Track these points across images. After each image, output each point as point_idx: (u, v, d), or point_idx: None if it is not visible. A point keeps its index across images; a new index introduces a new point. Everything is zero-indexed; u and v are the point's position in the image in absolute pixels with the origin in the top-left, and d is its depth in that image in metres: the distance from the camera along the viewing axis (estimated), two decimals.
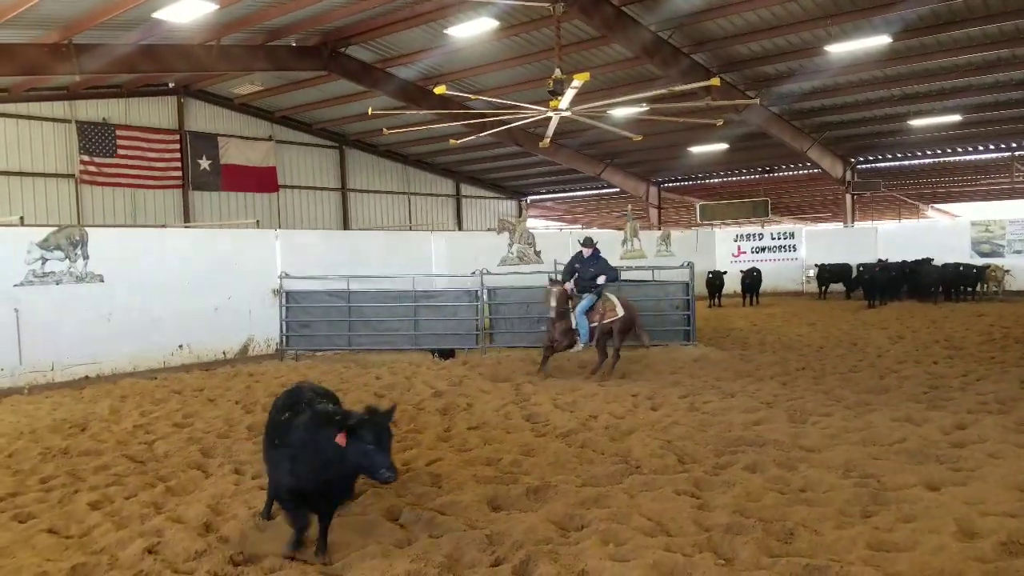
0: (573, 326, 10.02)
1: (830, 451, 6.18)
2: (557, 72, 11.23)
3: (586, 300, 10.08)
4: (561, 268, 16.41)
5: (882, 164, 26.50)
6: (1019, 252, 21.36)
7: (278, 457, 4.35)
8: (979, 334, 13.32)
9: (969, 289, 20.31)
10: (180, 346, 12.17)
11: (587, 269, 10.20)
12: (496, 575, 4.07)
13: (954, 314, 16.75)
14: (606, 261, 10.48)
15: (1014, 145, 23.71)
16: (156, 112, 20.62)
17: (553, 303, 9.82)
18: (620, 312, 10.04)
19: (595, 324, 10.01)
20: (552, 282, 10.20)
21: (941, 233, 25.05)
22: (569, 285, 10.15)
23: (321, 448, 4.08)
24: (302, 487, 4.19)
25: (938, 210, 36.10)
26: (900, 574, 3.84)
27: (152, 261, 11.90)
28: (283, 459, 4.28)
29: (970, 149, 24.68)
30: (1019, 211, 29.49)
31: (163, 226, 19.17)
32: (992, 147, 24.19)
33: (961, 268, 19.92)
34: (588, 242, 10.49)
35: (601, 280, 10.10)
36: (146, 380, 10.93)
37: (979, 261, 21.12)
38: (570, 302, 10.08)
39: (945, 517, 4.55)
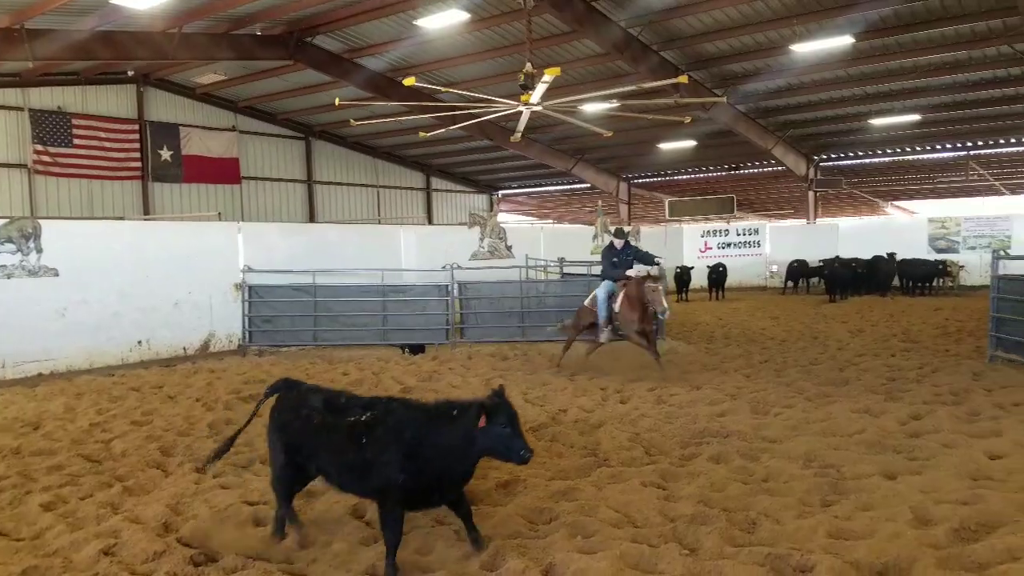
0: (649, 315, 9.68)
1: (791, 442, 6.30)
2: (528, 66, 11.19)
3: (606, 286, 10.02)
4: (533, 262, 16.54)
5: (844, 162, 27.02)
6: (973, 248, 21.98)
7: (380, 459, 4.02)
8: (935, 328, 13.70)
9: (927, 284, 20.80)
10: (139, 342, 11.91)
11: (624, 259, 10.02)
12: (464, 569, 4.05)
13: (911, 308, 17.18)
14: (637, 249, 10.34)
15: (969, 144, 24.34)
16: (114, 101, 20.10)
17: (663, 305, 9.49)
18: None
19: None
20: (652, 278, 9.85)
21: (900, 230, 25.77)
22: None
23: (450, 438, 4.00)
24: (422, 484, 4.02)
25: (897, 207, 36.90)
26: (858, 561, 3.93)
27: (109, 255, 11.60)
28: (391, 460, 3.99)
29: (928, 148, 25.26)
30: (974, 209, 30.30)
31: (121, 218, 18.74)
32: (949, 146, 24.80)
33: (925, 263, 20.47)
34: (620, 233, 10.40)
35: (637, 268, 9.87)
36: (103, 377, 10.64)
37: (934, 257, 21.73)
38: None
39: (901, 505, 4.68)
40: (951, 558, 3.94)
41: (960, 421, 6.79)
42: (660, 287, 9.69)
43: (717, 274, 22.04)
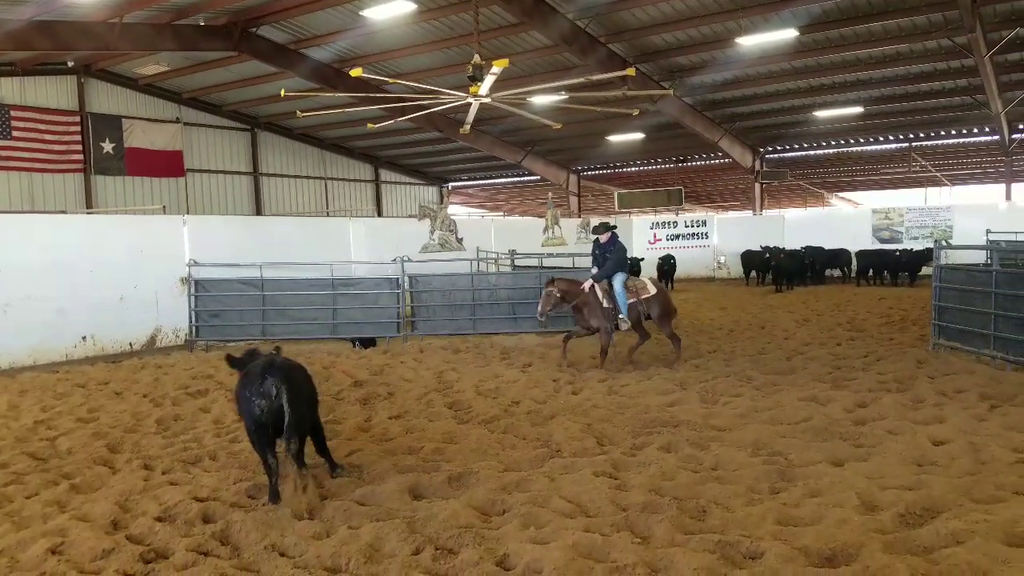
0: (601, 311, 9.65)
1: (740, 430, 6.43)
2: (476, 58, 11.16)
3: (620, 277, 9.78)
4: (483, 255, 16.53)
5: (789, 154, 27.67)
6: (916, 239, 22.72)
7: None
8: (879, 317, 14.10)
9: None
10: (84, 338, 11.56)
11: (604, 255, 9.95)
12: (417, 563, 4.05)
13: (856, 298, 17.69)
14: (622, 247, 10.09)
15: (911, 136, 25.13)
16: (54, 92, 19.46)
17: (539, 307, 9.59)
18: (652, 290, 9.92)
19: (632, 300, 9.75)
20: (551, 281, 9.83)
21: (845, 220, 26.45)
22: (587, 283, 9.75)
23: None
24: None
25: (841, 198, 37.94)
26: (807, 547, 4.02)
27: (52, 249, 11.23)
28: None
29: (871, 140, 26.03)
30: (916, 199, 31.33)
31: (63, 212, 18.11)
32: (891, 138, 25.58)
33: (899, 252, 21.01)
34: (602, 228, 10.18)
35: (607, 267, 9.76)
36: (47, 374, 10.32)
37: (877, 247, 22.45)
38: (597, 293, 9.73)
39: (848, 491, 4.80)
40: (897, 542, 4.05)
41: (905, 408, 6.97)
42: (543, 291, 9.63)
43: (668, 266, 22.33)
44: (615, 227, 10.32)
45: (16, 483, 5.58)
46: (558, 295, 9.56)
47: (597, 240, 10.19)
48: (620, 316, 9.65)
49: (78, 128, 19.81)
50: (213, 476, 5.56)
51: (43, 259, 11.07)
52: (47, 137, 19.17)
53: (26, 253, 10.90)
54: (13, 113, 18.45)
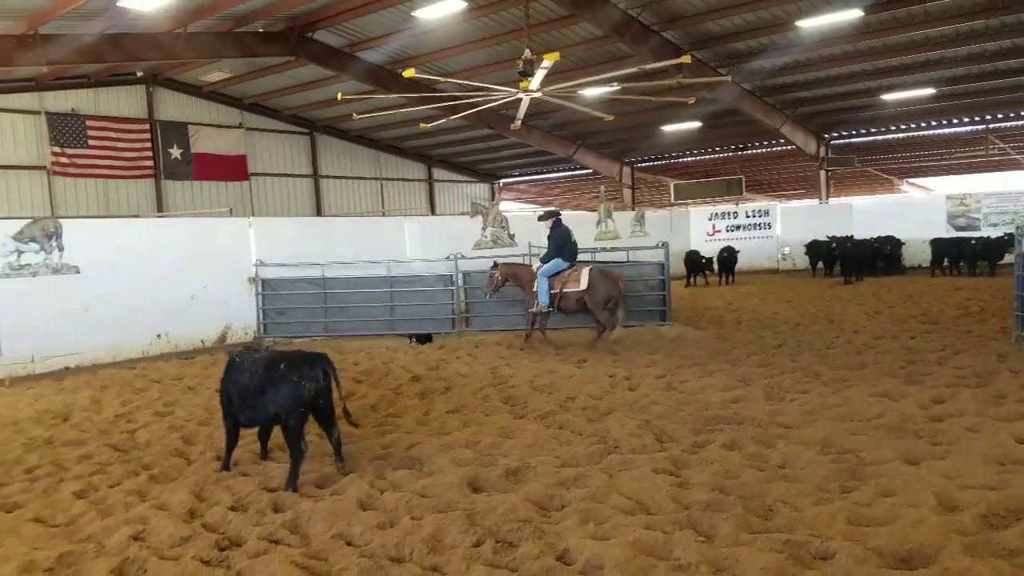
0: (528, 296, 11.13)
1: (808, 427, 6.22)
2: (527, 53, 11.12)
3: (550, 265, 10.92)
4: (536, 252, 16.50)
5: (856, 139, 26.66)
6: (995, 225, 21.58)
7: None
8: (956, 308, 13.43)
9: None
10: (158, 335, 12.06)
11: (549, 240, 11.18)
12: (478, 554, 4.07)
13: (931, 289, 16.95)
14: (561, 233, 11.09)
15: (988, 117, 23.87)
16: (125, 102, 20.29)
17: (486, 287, 11.35)
18: (583, 284, 10.72)
19: (555, 291, 10.88)
20: (493, 265, 11.42)
21: (917, 207, 25.21)
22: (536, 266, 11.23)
23: None
24: None
25: (913, 184, 36.46)
26: (880, 548, 3.86)
27: (127, 252, 11.77)
28: None
29: (944, 122, 24.85)
30: (994, 184, 29.81)
31: (136, 216, 18.94)
32: (966, 120, 24.35)
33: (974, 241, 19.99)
34: (545, 216, 11.33)
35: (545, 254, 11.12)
36: (125, 370, 10.85)
37: (954, 235, 21.43)
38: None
39: (924, 491, 4.57)
40: (979, 544, 3.83)
41: (985, 404, 6.60)
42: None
43: (728, 257, 21.81)
44: (558, 212, 11.53)
45: (100, 473, 5.87)
46: (500, 277, 11.18)
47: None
48: (538, 301, 10.87)
49: (148, 135, 20.61)
50: (282, 467, 5.70)
51: (118, 261, 11.59)
52: (119, 145, 20.01)
53: (103, 256, 11.42)
54: (88, 123, 19.33)
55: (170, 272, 12.14)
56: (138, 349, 11.76)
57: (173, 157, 21.13)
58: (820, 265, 21.94)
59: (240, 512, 4.87)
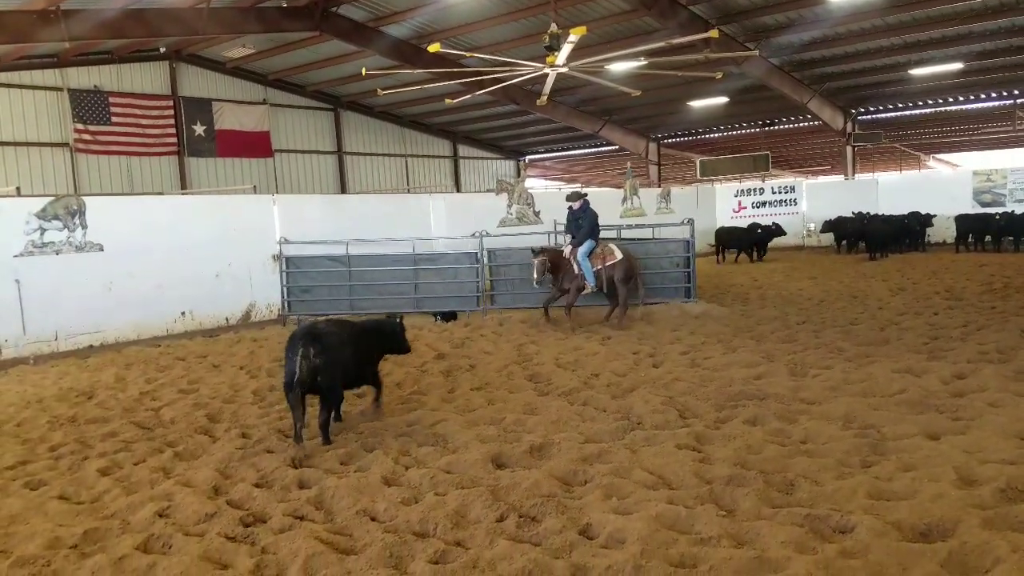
0: (574, 275, 10.86)
1: (830, 403, 6.23)
2: (553, 27, 11.01)
3: (586, 245, 10.84)
4: (561, 228, 16.46)
5: (883, 115, 26.19)
6: (1020, 201, 21.22)
7: None
8: (979, 284, 13.33)
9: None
10: (183, 313, 12.21)
11: (576, 222, 11.04)
12: (502, 529, 4.14)
13: (955, 265, 16.74)
14: (594, 213, 11.04)
15: (1016, 93, 23.36)
16: (148, 78, 20.36)
17: (535, 275, 10.72)
18: (618, 256, 10.88)
19: (599, 268, 10.86)
20: (534, 252, 10.91)
21: (943, 183, 24.86)
22: (567, 250, 11.00)
23: None
24: None
25: (939, 160, 35.80)
26: (900, 521, 3.90)
27: (151, 229, 11.85)
28: None
29: (972, 98, 24.34)
30: (1021, 160, 29.22)
31: (160, 193, 19.09)
32: (994, 95, 23.86)
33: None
34: (574, 196, 11.19)
35: (582, 234, 10.88)
36: (150, 348, 11.02)
37: (980, 211, 21.08)
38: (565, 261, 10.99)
39: (944, 465, 4.60)
40: (998, 518, 3.86)
41: (1007, 380, 6.58)
42: (535, 261, 10.70)
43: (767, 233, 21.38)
44: (586, 194, 11.39)
45: (125, 451, 5.97)
46: (548, 264, 10.72)
47: (571, 208, 11.13)
48: (586, 281, 10.80)
49: (171, 112, 20.69)
50: (307, 444, 5.81)
51: (142, 238, 11.68)
52: (143, 122, 20.11)
53: (127, 233, 11.51)
54: (112, 99, 19.43)
55: (194, 250, 12.23)
56: (162, 327, 11.91)
57: (197, 134, 21.24)
58: (844, 242, 21.65)
59: (265, 489, 4.96)
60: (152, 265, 11.75)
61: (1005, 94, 23.60)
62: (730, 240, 21.38)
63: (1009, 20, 17.37)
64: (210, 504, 4.68)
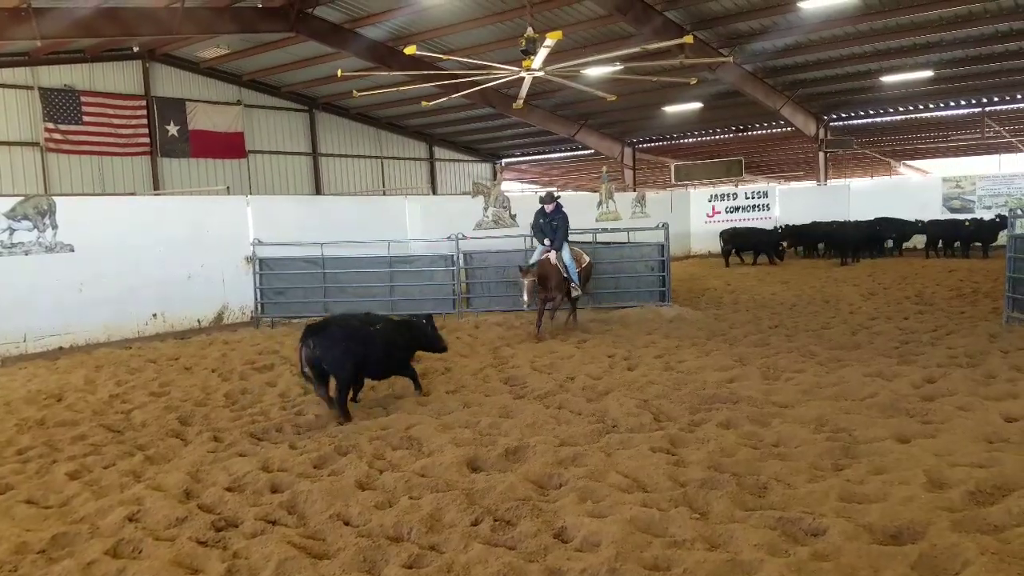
0: (560, 280, 10.48)
1: (803, 406, 6.29)
2: (529, 31, 11.05)
3: (565, 248, 10.63)
4: None
5: (854, 121, 26.60)
6: (989, 208, 21.68)
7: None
8: (949, 289, 13.56)
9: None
10: (154, 315, 12.05)
11: (550, 224, 10.72)
12: (477, 533, 4.13)
13: (925, 270, 17.03)
14: (565, 216, 10.79)
15: (984, 100, 23.87)
16: (121, 77, 20.10)
17: (525, 297, 10.13)
18: (587, 259, 11.13)
19: (579, 269, 10.80)
20: (522, 271, 10.27)
21: (913, 189, 25.32)
22: (552, 255, 10.49)
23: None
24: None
25: (909, 166, 36.42)
26: (871, 524, 3.94)
27: (122, 230, 11.71)
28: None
29: (941, 105, 24.80)
30: (990, 167, 29.85)
31: (132, 194, 18.81)
32: (963, 103, 24.34)
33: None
34: (548, 198, 10.90)
35: (560, 237, 10.58)
36: (120, 349, 10.85)
37: (948, 217, 21.51)
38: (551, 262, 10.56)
39: (915, 469, 4.65)
40: (966, 520, 3.92)
41: (976, 384, 6.71)
42: (525, 282, 10.06)
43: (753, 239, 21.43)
44: (559, 196, 11.16)
45: (94, 454, 5.87)
46: (535, 280, 10.11)
47: (542, 209, 10.78)
48: (573, 284, 10.51)
49: (144, 112, 20.44)
50: (280, 448, 5.75)
51: (114, 239, 11.54)
52: (115, 121, 19.84)
53: (98, 234, 11.37)
54: (84, 99, 19.14)
55: (166, 251, 12.10)
56: (133, 329, 11.75)
57: (170, 134, 20.98)
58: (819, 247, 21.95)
59: (237, 493, 4.89)
60: (123, 266, 11.60)
61: (973, 102, 24.09)
62: (746, 242, 21.33)
63: (977, 29, 17.75)
64: (181, 508, 4.61)
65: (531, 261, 10.68)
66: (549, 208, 10.73)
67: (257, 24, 17.14)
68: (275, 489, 4.97)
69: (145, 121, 20.47)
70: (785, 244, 21.36)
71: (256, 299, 13.01)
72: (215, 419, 6.78)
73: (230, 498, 4.78)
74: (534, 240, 11.24)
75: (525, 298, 10.11)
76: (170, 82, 21.10)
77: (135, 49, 19.86)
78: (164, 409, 7.18)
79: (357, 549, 3.95)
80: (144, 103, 20.41)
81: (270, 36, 18.41)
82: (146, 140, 20.52)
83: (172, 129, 21.03)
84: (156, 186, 20.58)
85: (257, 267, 12.94)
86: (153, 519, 4.50)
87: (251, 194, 19.66)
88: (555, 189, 16.25)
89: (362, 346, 6.67)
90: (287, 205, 15.64)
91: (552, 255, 10.42)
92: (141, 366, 9.52)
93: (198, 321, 12.57)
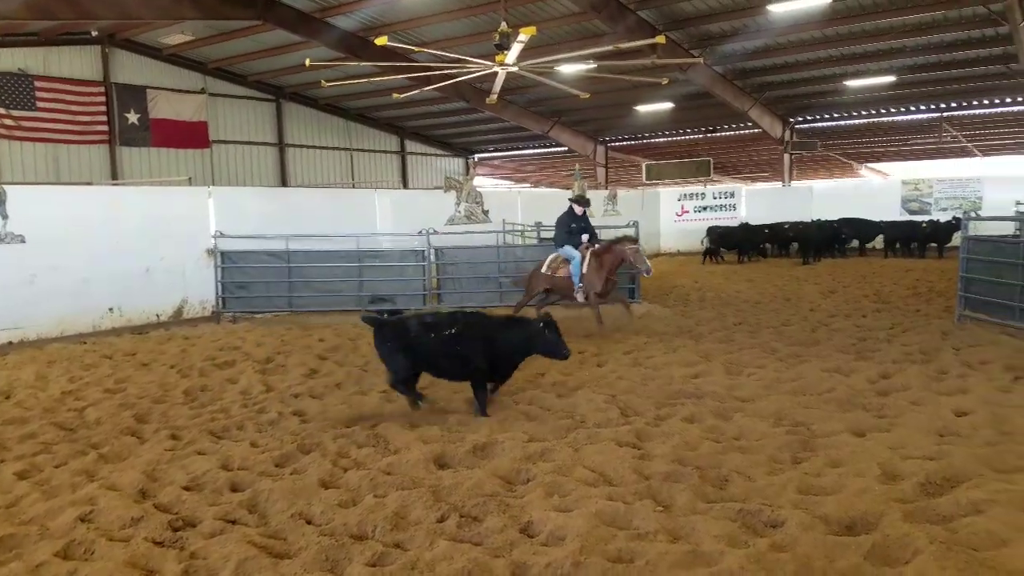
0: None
1: (763, 401, 6.42)
2: (503, 25, 11.01)
3: (572, 251, 10.37)
4: (510, 227, 16.46)
5: (819, 124, 27.05)
6: (945, 210, 22.27)
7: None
8: (906, 288, 13.94)
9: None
10: (110, 309, 11.76)
11: (580, 227, 10.47)
12: (442, 530, 4.10)
13: (883, 270, 17.43)
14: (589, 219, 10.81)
15: (943, 106, 24.47)
16: (79, 63, 19.53)
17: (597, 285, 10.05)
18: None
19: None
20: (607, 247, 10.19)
21: (874, 192, 26.02)
22: (590, 244, 10.38)
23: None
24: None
25: (871, 169, 37.18)
26: (827, 516, 4.03)
27: (78, 221, 11.36)
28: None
29: (902, 109, 25.36)
30: (947, 170, 30.63)
31: (89, 183, 18.33)
32: (923, 108, 24.91)
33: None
34: (581, 200, 10.70)
35: (585, 238, 10.49)
36: (75, 345, 10.53)
37: (907, 219, 22.06)
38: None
39: (870, 461, 4.78)
40: (917, 511, 4.05)
41: (929, 379, 6.93)
42: (640, 247, 10.13)
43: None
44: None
45: (45, 453, 5.68)
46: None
47: (571, 210, 10.55)
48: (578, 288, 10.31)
49: (103, 99, 19.91)
50: (241, 446, 5.65)
51: (69, 230, 11.18)
52: (72, 108, 19.29)
53: (52, 224, 11.00)
54: (38, 84, 18.56)
55: (124, 243, 11.78)
56: (88, 323, 11.43)
57: (130, 122, 20.49)
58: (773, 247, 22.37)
59: (195, 492, 4.78)
60: (78, 258, 11.27)
61: (933, 107, 24.67)
62: (730, 241, 21.54)
63: (938, 36, 18.16)
64: (136, 508, 4.48)
65: (543, 265, 10.66)
66: (580, 211, 10.50)
67: (223, 11, 16.82)
68: (235, 488, 4.87)
69: (104, 108, 19.95)
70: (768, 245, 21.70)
71: (217, 293, 12.77)
72: (173, 416, 6.63)
73: (188, 497, 4.67)
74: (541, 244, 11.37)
75: (599, 288, 10.03)
76: (131, 68, 20.58)
77: (94, 33, 19.31)
78: (120, 406, 6.98)
79: (319, 548, 3.89)
80: (103, 89, 19.88)
81: (236, 23, 18.08)
82: (104, 128, 20.00)
83: (132, 117, 20.54)
84: (115, 176, 20.07)
85: (219, 260, 12.71)
86: (106, 519, 4.37)
87: (214, 185, 19.34)
88: (530, 185, 16.15)
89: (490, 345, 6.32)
90: (251, 197, 15.41)
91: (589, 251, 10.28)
92: (96, 362, 9.25)
93: (157, 316, 12.29)
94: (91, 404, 7.09)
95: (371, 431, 5.93)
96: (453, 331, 6.28)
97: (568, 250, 10.38)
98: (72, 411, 6.90)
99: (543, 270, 10.65)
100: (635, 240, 10.42)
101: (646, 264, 9.99)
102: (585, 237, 10.43)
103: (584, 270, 10.13)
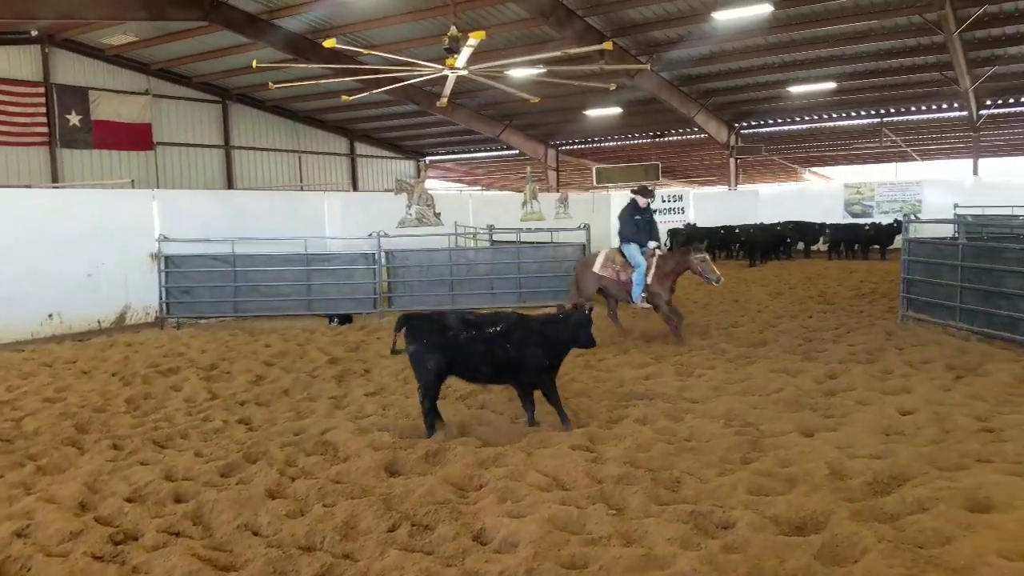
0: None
1: (713, 402, 6.50)
2: (453, 29, 10.98)
3: (638, 251, 9.54)
4: (462, 230, 16.41)
5: (763, 129, 27.75)
6: (886, 213, 23.02)
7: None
8: (850, 290, 14.31)
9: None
10: (50, 315, 11.36)
11: (645, 220, 9.57)
12: (393, 539, 4.04)
13: (828, 271, 17.89)
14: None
15: (882, 112, 25.35)
16: (17, 62, 18.90)
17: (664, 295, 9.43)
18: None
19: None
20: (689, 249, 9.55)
21: (817, 195, 26.67)
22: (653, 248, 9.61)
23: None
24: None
25: (814, 173, 38.20)
26: (777, 516, 4.09)
27: (16, 224, 11.00)
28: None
29: (843, 115, 26.19)
30: (887, 174, 31.66)
31: (28, 186, 17.66)
32: (863, 113, 25.77)
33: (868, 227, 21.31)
34: (646, 191, 9.87)
35: (652, 245, 9.66)
36: (12, 353, 10.11)
37: (850, 221, 22.74)
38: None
39: (818, 461, 4.86)
40: (864, 510, 4.12)
41: (873, 379, 7.09)
42: (706, 257, 9.52)
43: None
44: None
45: None
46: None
47: (634, 203, 9.68)
48: (636, 298, 9.56)
49: (43, 100, 19.28)
50: (185, 456, 5.49)
51: (6, 235, 10.82)
52: (10, 109, 18.66)
53: None
54: None
55: (64, 247, 11.42)
56: (27, 330, 11.03)
57: (71, 124, 19.85)
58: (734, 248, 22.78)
59: (137, 504, 4.62)
60: (16, 264, 10.88)
61: (872, 113, 25.56)
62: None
63: (875, 45, 18.82)
64: (76, 521, 4.31)
65: (595, 263, 9.84)
66: (644, 203, 9.64)
67: (168, 12, 16.43)
68: (179, 499, 4.72)
69: (44, 109, 19.32)
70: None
71: (161, 299, 12.42)
72: (115, 426, 6.41)
73: (130, 509, 4.50)
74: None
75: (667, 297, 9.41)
76: (72, 69, 19.96)
77: (33, 33, 18.71)
78: (59, 416, 6.72)
79: (266, 560, 3.79)
80: (43, 90, 19.26)
81: (182, 24, 17.66)
82: (44, 130, 19.36)
83: (74, 119, 19.91)
84: (55, 178, 19.42)
85: (163, 265, 12.36)
86: (44, 534, 4.19)
87: (158, 188, 18.83)
88: (497, 187, 16.03)
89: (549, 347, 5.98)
90: (196, 199, 15.05)
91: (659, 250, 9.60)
92: (34, 370, 8.90)
93: (98, 322, 11.90)
94: (29, 414, 6.82)
95: (320, 438, 5.83)
96: (501, 331, 5.85)
97: (635, 255, 9.48)
98: (9, 421, 6.63)
99: (596, 270, 9.80)
100: (701, 249, 9.60)
101: (715, 274, 9.30)
102: (652, 244, 9.58)
103: (649, 280, 9.42)
